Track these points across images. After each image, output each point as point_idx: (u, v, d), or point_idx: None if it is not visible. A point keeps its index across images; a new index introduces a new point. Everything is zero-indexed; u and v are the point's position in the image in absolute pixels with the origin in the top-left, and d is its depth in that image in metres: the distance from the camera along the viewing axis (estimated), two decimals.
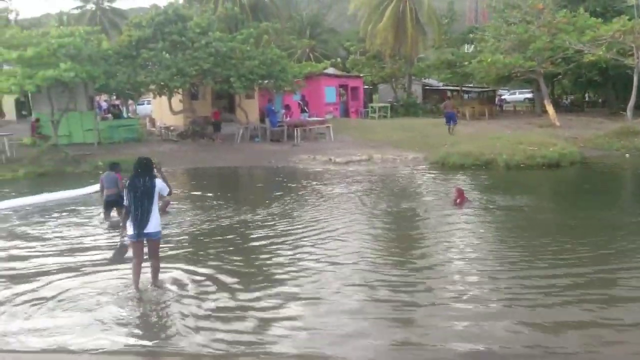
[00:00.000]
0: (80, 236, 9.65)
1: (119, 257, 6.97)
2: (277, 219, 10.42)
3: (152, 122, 29.91)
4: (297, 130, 22.37)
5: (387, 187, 13.80)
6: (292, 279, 6.96)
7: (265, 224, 10.03)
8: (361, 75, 36.67)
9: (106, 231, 10.12)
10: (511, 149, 16.71)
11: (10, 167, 18.99)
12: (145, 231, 6.40)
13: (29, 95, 23.56)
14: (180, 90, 23.27)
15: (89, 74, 19.90)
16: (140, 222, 6.34)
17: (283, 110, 25.11)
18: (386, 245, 8.68)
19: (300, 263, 7.57)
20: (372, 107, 33.93)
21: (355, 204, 11.53)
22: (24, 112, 36.26)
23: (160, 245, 7.04)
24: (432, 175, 15.49)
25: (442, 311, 5.83)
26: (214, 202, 12.37)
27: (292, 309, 5.98)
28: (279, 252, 8.21)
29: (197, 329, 5.52)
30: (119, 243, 7.14)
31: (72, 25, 27.40)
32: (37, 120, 23.52)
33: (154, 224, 6.46)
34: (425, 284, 6.63)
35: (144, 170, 6.50)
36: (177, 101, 24.63)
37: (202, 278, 7.04)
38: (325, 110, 29.98)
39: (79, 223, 10.77)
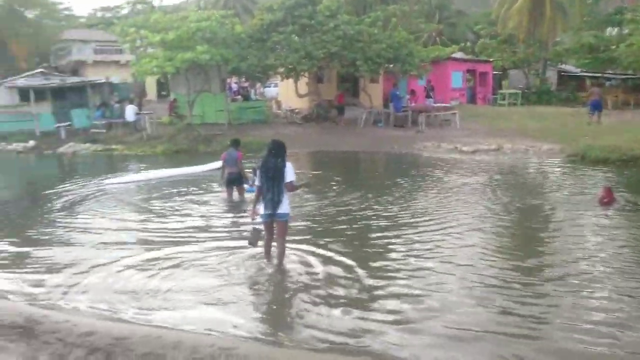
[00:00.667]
0: (203, 215, 9.96)
1: (254, 240, 7.06)
2: (397, 208, 10.13)
3: (278, 104, 30.70)
4: (421, 116, 21.76)
5: (518, 180, 12.93)
6: (404, 278, 6.51)
7: (386, 212, 9.77)
8: (491, 60, 34.91)
9: (227, 210, 10.47)
10: None
11: (150, 143, 20.48)
12: (277, 212, 6.51)
13: (169, 76, 25.14)
14: (306, 74, 23.60)
15: (222, 56, 20.77)
16: (272, 202, 6.46)
17: (408, 95, 24.56)
18: (512, 245, 7.97)
19: (414, 259, 7.10)
20: (501, 93, 32.20)
21: (480, 197, 10.85)
22: (163, 93, 39.15)
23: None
24: (569, 169, 14.26)
25: (572, 332, 4.98)
26: (336, 186, 12.33)
27: (400, 308, 5.62)
28: (394, 244, 7.87)
29: (310, 317, 5.41)
30: (251, 227, 7.28)
31: (208, 9, 28.68)
32: (175, 100, 25.12)
33: (284, 205, 6.55)
34: (552, 297, 5.82)
35: (277, 151, 6.54)
36: (303, 84, 25.02)
37: (320, 263, 6.96)
38: (451, 96, 28.95)
39: (201, 200, 11.20)
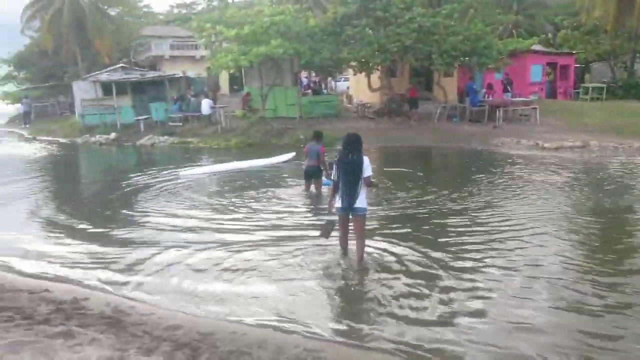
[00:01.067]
0: (279, 207, 9.96)
1: (326, 232, 7.03)
2: (474, 206, 9.71)
3: (349, 98, 30.50)
4: (499, 110, 20.94)
5: (608, 181, 12.10)
6: (486, 279, 6.16)
7: (465, 211, 9.40)
8: (573, 52, 33.12)
9: (304, 203, 10.41)
10: None
11: (224, 136, 20.87)
12: (353, 206, 6.46)
13: (242, 70, 25.52)
14: (379, 67, 23.27)
15: (296, 50, 20.80)
16: (349, 197, 6.42)
17: (484, 90, 23.71)
18: (600, 255, 7.10)
19: (491, 266, 6.58)
20: (584, 87, 30.48)
21: (565, 198, 10.14)
22: (235, 87, 39.89)
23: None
24: None
25: None
26: (410, 183, 11.97)
27: (483, 310, 5.31)
28: (474, 244, 7.49)
29: (393, 318, 5.19)
30: (325, 220, 7.19)
31: (282, 4, 28.92)
32: (248, 94, 25.46)
33: (361, 199, 6.49)
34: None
35: (354, 146, 6.48)
36: (375, 78, 24.70)
37: (398, 261, 6.78)
38: (530, 91, 27.69)
39: (277, 193, 11.21)
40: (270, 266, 6.69)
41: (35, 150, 22.42)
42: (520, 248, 7.18)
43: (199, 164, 15.99)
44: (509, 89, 24.28)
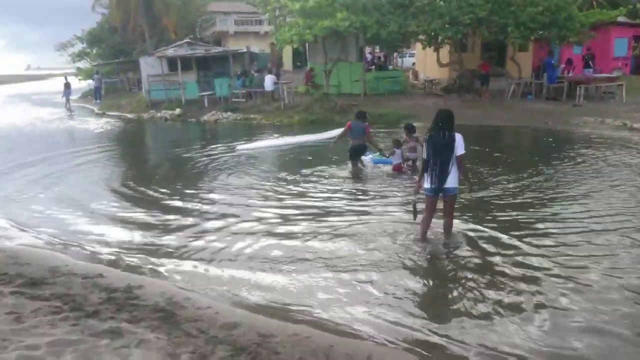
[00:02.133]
0: (329, 186, 9.80)
1: (415, 214, 6.69)
2: (556, 192, 8.91)
3: (415, 74, 29.39)
4: (580, 88, 19.42)
5: None
6: (575, 272, 5.51)
7: (544, 196, 8.65)
8: None
9: (353, 181, 10.15)
10: None
11: (287, 113, 20.46)
12: (444, 186, 6.20)
13: (307, 45, 24.93)
14: (449, 41, 22.11)
15: (362, 23, 20.00)
16: (439, 176, 6.14)
17: (563, 65, 22.11)
18: None
19: (573, 252, 6.07)
20: None
21: None
22: (298, 63, 39.37)
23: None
24: None
25: None
26: (485, 166, 11.06)
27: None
28: (555, 230, 6.87)
29: (480, 315, 4.61)
30: (412, 201, 6.99)
31: None
32: (312, 69, 24.91)
33: (453, 178, 6.20)
34: None
35: (446, 122, 6.15)
36: (444, 53, 23.56)
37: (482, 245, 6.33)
38: (613, 66, 25.67)
39: (328, 171, 11.01)
40: (337, 253, 6.22)
41: (102, 125, 22.82)
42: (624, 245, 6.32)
43: (257, 138, 16.15)
44: (591, 64, 22.57)
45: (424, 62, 29.50)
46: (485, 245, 6.38)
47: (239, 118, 21.18)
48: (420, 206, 6.71)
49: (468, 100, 21.21)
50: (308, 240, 6.77)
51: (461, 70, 22.93)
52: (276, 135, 16.84)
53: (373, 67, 29.03)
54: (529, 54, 24.37)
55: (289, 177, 10.59)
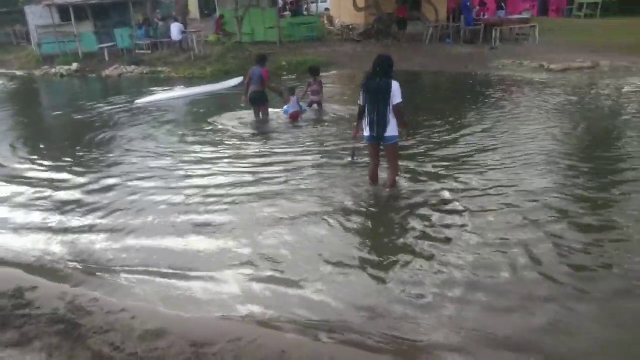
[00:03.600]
0: (232, 138, 9.36)
1: (352, 159, 6.64)
2: (485, 136, 8.78)
3: (330, 20, 28.43)
4: (495, 30, 19.34)
5: (624, 105, 10.93)
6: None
7: (474, 142, 8.47)
8: None
9: (256, 131, 9.85)
10: None
11: (198, 64, 18.98)
12: (383, 135, 6.01)
13: None
14: None
15: None
16: (377, 125, 5.96)
17: (477, 7, 21.94)
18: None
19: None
20: (579, 3, 28.79)
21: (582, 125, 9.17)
22: (206, 12, 37.05)
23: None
24: None
25: None
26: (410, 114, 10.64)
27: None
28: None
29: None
30: (350, 147, 6.82)
31: None
32: (222, 17, 23.24)
33: (392, 127, 6.01)
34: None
35: (383, 68, 5.86)
36: None
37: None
38: (522, 8, 26.00)
39: (229, 122, 10.61)
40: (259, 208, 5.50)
41: None
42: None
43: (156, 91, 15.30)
44: (503, 6, 22.57)
45: (339, 7, 28.52)
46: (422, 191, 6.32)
47: (145, 72, 19.41)
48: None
49: (387, 46, 20.62)
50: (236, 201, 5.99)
51: (378, 15, 22.22)
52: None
53: (287, 13, 27.69)
54: None
55: (196, 132, 10.07)
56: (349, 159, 6.65)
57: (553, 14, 28.57)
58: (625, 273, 4.28)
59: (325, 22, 27.37)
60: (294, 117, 10.33)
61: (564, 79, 13.88)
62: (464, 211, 5.66)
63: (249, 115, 10.79)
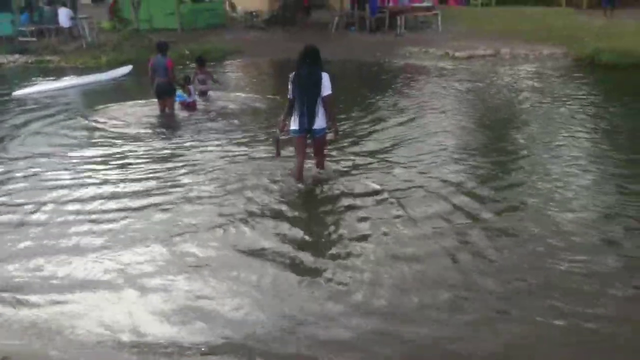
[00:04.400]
0: (136, 135, 8.48)
1: (278, 150, 6.22)
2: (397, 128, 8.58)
3: (232, 6, 27.49)
4: (400, 18, 19.47)
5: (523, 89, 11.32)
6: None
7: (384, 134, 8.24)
8: None
9: (162, 126, 9.07)
10: None
11: (91, 53, 17.53)
12: (312, 127, 5.79)
13: None
14: None
15: None
16: (307, 117, 5.75)
17: None
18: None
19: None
20: None
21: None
22: None
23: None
24: (584, 76, 12.62)
25: None
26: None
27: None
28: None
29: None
30: (273, 137, 6.50)
31: None
32: (115, 2, 21.70)
33: (320, 119, 5.81)
34: None
35: (312, 59, 5.71)
36: None
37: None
38: None
39: (131, 114, 9.84)
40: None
41: None
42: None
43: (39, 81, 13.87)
44: None
45: None
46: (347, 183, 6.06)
47: (30, 61, 17.64)
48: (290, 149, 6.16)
49: (293, 33, 20.18)
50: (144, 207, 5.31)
51: (283, 1, 21.70)
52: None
53: None
54: None
55: (75, 129, 9.08)
56: (274, 151, 6.23)
57: (452, 2, 29.40)
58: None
59: (228, 8, 26.43)
60: (192, 107, 9.84)
61: (469, 67, 14.15)
62: (392, 205, 5.41)
63: (143, 107, 10.12)
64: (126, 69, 14.76)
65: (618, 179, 6.09)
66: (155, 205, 5.58)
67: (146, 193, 5.94)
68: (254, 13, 23.31)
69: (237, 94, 11.62)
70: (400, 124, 8.79)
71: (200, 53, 17.00)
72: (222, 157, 7.13)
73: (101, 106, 10.49)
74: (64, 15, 19.64)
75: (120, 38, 18.21)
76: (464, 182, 6.00)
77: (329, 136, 6.14)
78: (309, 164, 6.22)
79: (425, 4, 23.04)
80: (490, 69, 13.88)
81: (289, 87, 5.82)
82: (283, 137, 6.15)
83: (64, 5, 20.56)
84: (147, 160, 7.19)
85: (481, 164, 6.82)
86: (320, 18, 22.05)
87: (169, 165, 6.93)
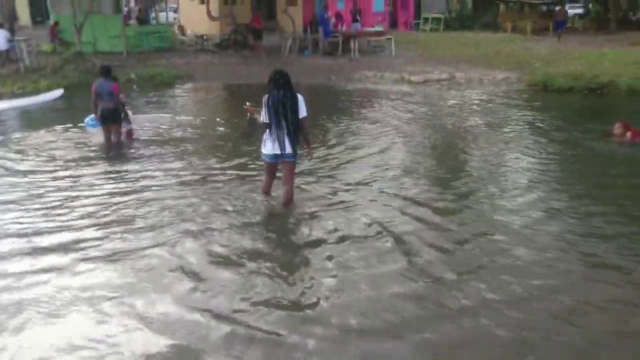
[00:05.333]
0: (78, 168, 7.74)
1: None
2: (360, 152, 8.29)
3: (181, 30, 26.91)
4: (354, 42, 19.35)
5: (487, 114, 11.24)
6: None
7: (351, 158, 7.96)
8: None
9: (111, 157, 8.45)
10: (627, 69, 13.82)
11: (30, 77, 16.45)
12: (285, 151, 5.69)
13: None
14: None
15: None
16: (283, 142, 5.65)
17: (333, 19, 21.92)
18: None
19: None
20: (424, 18, 30.36)
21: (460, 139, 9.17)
22: (38, 19, 33.22)
23: None
24: (537, 100, 12.73)
25: None
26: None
27: None
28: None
29: None
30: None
31: None
32: (57, 23, 20.73)
33: (294, 145, 5.73)
34: None
35: (286, 82, 5.60)
36: (213, 6, 21.60)
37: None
38: (374, 21, 26.67)
39: (72, 143, 9.21)
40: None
41: None
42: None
43: None
44: (359, 19, 22.84)
45: (189, 16, 27.14)
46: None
47: None
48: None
49: (246, 57, 19.76)
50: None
51: (234, 25, 21.27)
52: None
53: (132, 21, 25.64)
54: (299, 8, 23.73)
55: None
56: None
57: (402, 27, 29.73)
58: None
59: (177, 31, 25.80)
60: (130, 135, 9.29)
61: (425, 91, 14.07)
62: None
63: (77, 134, 9.67)
64: (57, 93, 14.32)
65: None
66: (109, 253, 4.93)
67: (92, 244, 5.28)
68: (204, 37, 22.76)
69: (186, 117, 11.06)
70: (359, 148, 8.54)
71: (148, 77, 16.45)
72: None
73: (26, 133, 9.85)
74: (1, 37, 18.52)
75: (62, 61, 17.24)
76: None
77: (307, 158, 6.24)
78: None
79: (376, 29, 23.14)
80: (446, 92, 13.83)
81: (263, 110, 5.68)
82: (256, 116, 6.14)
83: (1, 26, 19.45)
84: (89, 193, 6.53)
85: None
86: (272, 41, 21.72)
87: (118, 199, 6.29)
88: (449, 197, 6.41)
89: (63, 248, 5.05)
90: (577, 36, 24.31)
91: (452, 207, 6.06)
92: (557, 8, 26.74)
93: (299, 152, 5.86)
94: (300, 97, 5.69)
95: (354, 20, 22.68)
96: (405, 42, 22.27)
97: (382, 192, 6.49)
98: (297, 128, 5.68)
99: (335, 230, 5.40)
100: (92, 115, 9.15)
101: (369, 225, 5.48)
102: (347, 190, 6.55)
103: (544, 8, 34.95)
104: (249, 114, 6.24)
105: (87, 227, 5.53)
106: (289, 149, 5.67)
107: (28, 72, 17.06)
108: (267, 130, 5.70)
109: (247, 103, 6.17)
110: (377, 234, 5.28)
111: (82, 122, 9.91)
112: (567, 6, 48.05)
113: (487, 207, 6.04)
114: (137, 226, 5.55)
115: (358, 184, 6.80)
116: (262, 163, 6.31)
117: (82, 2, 18.64)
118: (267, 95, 5.66)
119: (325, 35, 20.04)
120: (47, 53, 19.53)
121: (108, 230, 5.43)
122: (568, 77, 13.62)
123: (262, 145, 5.83)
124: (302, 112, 5.68)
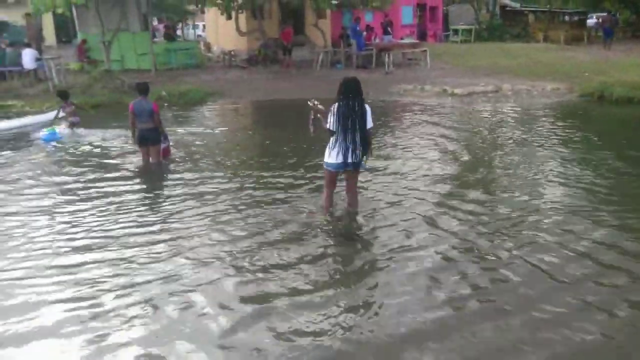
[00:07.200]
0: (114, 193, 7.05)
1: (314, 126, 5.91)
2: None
3: (207, 46, 26.56)
4: (388, 55, 18.68)
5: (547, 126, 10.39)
6: None
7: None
8: None
9: (146, 181, 7.83)
10: None
11: None
12: (353, 161, 5.59)
13: (74, 12, 20.35)
14: (247, 7, 19.70)
15: None
16: (352, 151, 5.55)
17: (364, 32, 21.33)
18: None
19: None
20: (454, 29, 29.66)
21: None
22: (63, 39, 33.19)
23: None
24: (594, 111, 11.89)
25: None
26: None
27: None
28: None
29: None
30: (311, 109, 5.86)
31: None
32: (84, 41, 20.41)
33: (361, 154, 5.65)
34: None
35: (356, 92, 5.47)
36: (242, 21, 21.14)
37: None
38: (403, 33, 26.06)
39: (106, 166, 8.54)
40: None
41: None
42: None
43: None
44: (390, 31, 22.21)
45: (216, 32, 26.78)
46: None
47: None
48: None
49: (276, 72, 19.20)
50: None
51: (264, 40, 20.75)
52: (45, 129, 12.62)
53: (157, 39, 25.35)
54: (327, 21, 23.18)
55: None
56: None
57: (431, 39, 29.08)
58: None
59: (202, 48, 25.43)
60: (167, 152, 8.70)
61: (473, 104, 13.29)
62: None
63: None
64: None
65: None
66: None
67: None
68: (231, 52, 22.30)
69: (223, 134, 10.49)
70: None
71: (178, 94, 15.92)
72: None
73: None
74: (28, 57, 18.20)
75: (91, 79, 16.84)
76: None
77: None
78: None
79: (409, 41, 22.50)
80: (496, 105, 13.04)
81: (330, 118, 5.55)
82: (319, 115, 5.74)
83: (29, 46, 19.18)
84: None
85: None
86: (301, 56, 21.15)
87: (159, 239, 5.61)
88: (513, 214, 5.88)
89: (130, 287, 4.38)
90: (614, 44, 23.42)
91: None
92: (604, 15, 26.73)
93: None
94: (368, 107, 5.59)
95: (385, 32, 22.08)
96: (438, 54, 21.58)
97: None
98: (365, 138, 5.57)
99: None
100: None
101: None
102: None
103: (575, 18, 34.02)
104: (311, 113, 5.80)
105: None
106: (357, 159, 5.60)
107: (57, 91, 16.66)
108: (332, 139, 5.60)
109: (314, 101, 5.62)
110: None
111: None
112: (593, 16, 47.22)
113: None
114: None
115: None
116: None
117: (110, 20, 18.29)
118: (335, 103, 5.51)
119: (359, 48, 19.41)
120: (74, 71, 19.19)
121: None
122: (626, 87, 12.74)
123: (327, 155, 5.70)
124: (369, 123, 5.58)
